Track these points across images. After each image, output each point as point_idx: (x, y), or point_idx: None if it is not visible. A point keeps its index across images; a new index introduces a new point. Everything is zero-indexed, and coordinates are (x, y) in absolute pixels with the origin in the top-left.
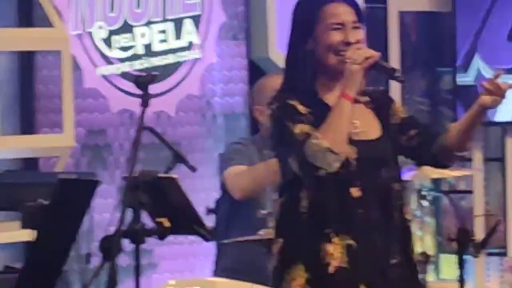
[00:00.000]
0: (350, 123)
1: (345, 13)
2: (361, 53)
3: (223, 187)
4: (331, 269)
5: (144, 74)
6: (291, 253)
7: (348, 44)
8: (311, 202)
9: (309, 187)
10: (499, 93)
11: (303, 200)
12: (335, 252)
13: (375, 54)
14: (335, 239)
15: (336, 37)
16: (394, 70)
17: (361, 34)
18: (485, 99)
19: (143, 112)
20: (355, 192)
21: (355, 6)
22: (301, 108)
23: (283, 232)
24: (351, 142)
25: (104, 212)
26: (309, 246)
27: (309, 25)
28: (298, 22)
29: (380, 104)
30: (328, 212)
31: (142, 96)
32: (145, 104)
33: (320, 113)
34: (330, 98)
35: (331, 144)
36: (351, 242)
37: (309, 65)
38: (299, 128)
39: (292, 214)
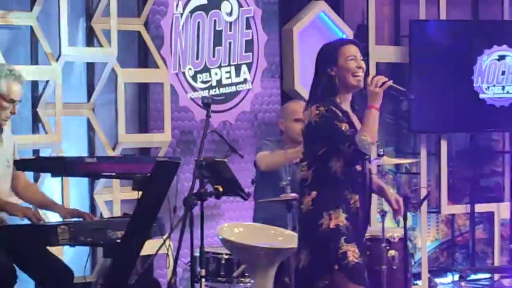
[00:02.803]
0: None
1: (356, 51)
2: (379, 80)
3: (255, 164)
4: (359, 213)
5: (208, 97)
6: (328, 201)
7: (360, 68)
8: (342, 169)
9: (342, 161)
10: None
11: (332, 168)
12: (356, 202)
13: (389, 80)
14: (353, 195)
15: (353, 64)
16: (404, 91)
17: (364, 64)
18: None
19: (207, 121)
20: (358, 167)
21: (359, 47)
22: (339, 113)
23: (318, 187)
24: None
25: (190, 182)
26: (344, 196)
27: (334, 58)
28: (324, 56)
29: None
30: (350, 177)
31: (206, 111)
32: (208, 115)
33: (346, 118)
34: (345, 105)
35: (370, 137)
36: (357, 198)
37: (333, 83)
38: (344, 126)
39: (326, 176)
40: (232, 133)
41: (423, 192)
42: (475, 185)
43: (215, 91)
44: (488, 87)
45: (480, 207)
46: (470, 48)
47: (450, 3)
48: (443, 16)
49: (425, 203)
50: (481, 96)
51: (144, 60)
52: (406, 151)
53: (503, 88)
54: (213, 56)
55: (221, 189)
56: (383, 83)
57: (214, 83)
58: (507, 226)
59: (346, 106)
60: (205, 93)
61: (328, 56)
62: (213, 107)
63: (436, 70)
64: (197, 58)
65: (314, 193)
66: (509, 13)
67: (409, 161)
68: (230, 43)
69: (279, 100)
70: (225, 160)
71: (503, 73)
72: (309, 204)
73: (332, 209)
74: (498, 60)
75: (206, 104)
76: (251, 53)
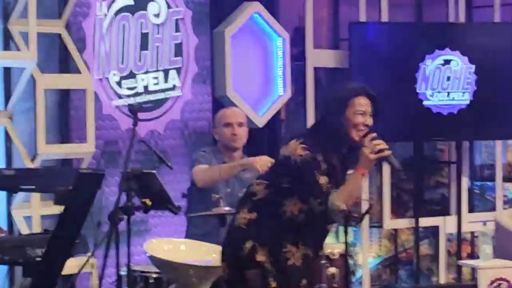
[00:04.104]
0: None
1: (366, 104)
2: (378, 145)
3: (192, 179)
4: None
5: (134, 104)
6: (264, 232)
7: (366, 125)
8: (296, 215)
9: (302, 209)
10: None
11: (285, 206)
12: (290, 258)
13: (388, 151)
14: (293, 247)
15: (360, 119)
16: (398, 168)
17: (371, 121)
18: None
19: (134, 129)
20: (328, 227)
21: (373, 100)
22: (323, 165)
23: (261, 211)
24: None
25: (116, 196)
26: (280, 243)
27: (342, 107)
28: (333, 103)
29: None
30: (300, 228)
31: (134, 119)
32: (135, 124)
33: (332, 171)
34: (336, 158)
35: (345, 203)
36: (308, 252)
37: (341, 135)
38: (323, 179)
39: (276, 208)
40: (161, 143)
41: (365, 205)
42: (419, 197)
43: (141, 98)
44: (433, 94)
45: (424, 221)
46: (413, 52)
47: (392, 4)
48: (384, 18)
49: (367, 217)
50: (425, 103)
51: (65, 65)
52: None
53: (448, 94)
54: (140, 61)
55: (149, 203)
56: (380, 151)
57: (140, 90)
58: (454, 242)
59: (337, 160)
60: (131, 100)
61: (337, 104)
62: (140, 115)
63: (378, 76)
64: (122, 63)
65: (254, 214)
66: (454, 15)
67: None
68: (157, 46)
69: (211, 107)
70: (154, 171)
71: (448, 78)
72: (243, 221)
73: (261, 243)
74: (443, 64)
75: (132, 111)
76: (180, 58)
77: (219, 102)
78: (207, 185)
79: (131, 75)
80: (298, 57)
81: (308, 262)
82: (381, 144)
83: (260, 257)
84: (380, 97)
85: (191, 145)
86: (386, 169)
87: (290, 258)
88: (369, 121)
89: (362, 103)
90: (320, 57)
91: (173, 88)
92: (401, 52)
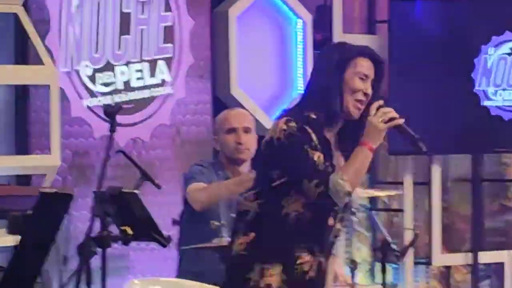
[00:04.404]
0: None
1: (369, 68)
2: (388, 113)
3: (185, 201)
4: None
5: (112, 104)
6: (267, 250)
7: (365, 95)
8: (297, 215)
9: (301, 203)
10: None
11: (284, 209)
12: (305, 264)
13: (400, 119)
14: (303, 254)
15: (360, 85)
16: (417, 138)
17: (371, 91)
18: None
19: (111, 137)
20: (330, 220)
21: (378, 67)
22: (314, 138)
23: (260, 228)
24: None
25: (87, 222)
26: (291, 251)
27: (342, 64)
28: (330, 63)
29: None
30: (306, 229)
31: (110, 123)
32: (113, 130)
33: (323, 147)
34: (328, 134)
35: (351, 184)
36: (322, 259)
37: (334, 104)
38: (317, 156)
39: (274, 217)
40: (146, 154)
41: (408, 236)
42: (479, 226)
43: (121, 97)
44: (496, 92)
45: (485, 256)
46: (471, 38)
47: None
48: None
49: (410, 251)
50: (486, 103)
51: (23, 53)
52: (383, 180)
53: None
54: (119, 49)
55: (130, 232)
56: (391, 119)
57: (120, 86)
58: None
59: (330, 135)
60: (108, 100)
61: (334, 63)
62: (120, 118)
63: (426, 69)
64: (96, 51)
65: (252, 235)
66: None
67: (389, 193)
68: (142, 30)
69: (210, 109)
70: (136, 191)
71: None
72: (241, 248)
73: (268, 262)
74: (510, 54)
75: (109, 114)
76: (171, 45)
77: (221, 103)
78: (205, 208)
79: (108, 67)
80: (323, 45)
81: (323, 274)
82: (390, 112)
83: (272, 278)
84: (427, 97)
85: (184, 158)
86: (435, 189)
87: (308, 271)
88: (370, 90)
89: (365, 65)
90: None
91: (162, 84)
92: (455, 38)
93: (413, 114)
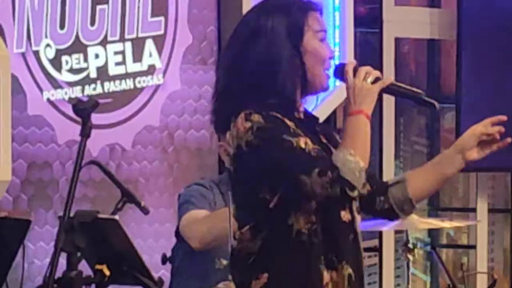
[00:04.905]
0: None
1: (324, 22)
2: (370, 73)
3: (178, 234)
4: None
5: (84, 99)
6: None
7: (331, 56)
8: (311, 226)
9: (307, 210)
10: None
11: (294, 227)
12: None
13: (388, 77)
14: (339, 268)
15: (325, 50)
16: (419, 94)
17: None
18: (473, 153)
19: (83, 143)
20: (345, 215)
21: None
22: (289, 123)
23: (272, 265)
24: None
25: (47, 258)
26: (318, 273)
27: (298, 30)
28: (286, 24)
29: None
30: (329, 236)
31: (82, 125)
32: (85, 135)
33: (303, 130)
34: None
35: (362, 158)
36: (351, 271)
37: (300, 74)
38: (303, 142)
39: (286, 245)
40: (127, 168)
41: (483, 281)
42: None
43: (95, 89)
44: None
45: None
46: None
47: None
48: None
49: None
50: None
51: None
52: (449, 206)
53: None
54: (92, 24)
55: (107, 272)
56: (376, 79)
57: (93, 74)
58: None
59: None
60: (78, 92)
61: (292, 25)
62: (93, 118)
63: (506, 54)
64: (62, 27)
65: (265, 277)
66: None
67: (457, 224)
68: None
69: None
70: (116, 217)
71: None
72: None
73: None
74: None
75: (81, 112)
76: (163, 18)
77: None
78: (208, 244)
79: (78, 48)
80: (368, 20)
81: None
82: (372, 72)
83: None
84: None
85: (180, 173)
86: None
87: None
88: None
89: (320, 20)
90: (407, 21)
91: (150, 71)
92: None
93: (489, 113)
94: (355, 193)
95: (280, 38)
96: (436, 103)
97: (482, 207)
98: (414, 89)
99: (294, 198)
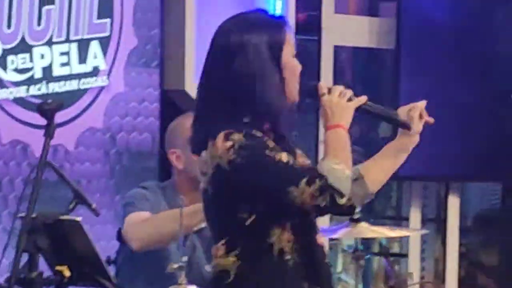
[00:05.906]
0: None
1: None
2: (346, 92)
3: (120, 236)
4: None
5: (49, 101)
6: None
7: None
8: (293, 244)
9: (290, 227)
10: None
11: (276, 245)
12: None
13: (363, 96)
14: None
15: (298, 65)
16: (391, 113)
17: None
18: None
19: (47, 144)
20: (319, 239)
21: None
22: (267, 140)
23: (250, 284)
24: None
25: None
26: None
27: (279, 46)
28: (267, 41)
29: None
30: (307, 257)
31: (47, 125)
32: (49, 135)
33: (282, 146)
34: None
35: (346, 166)
36: None
37: (281, 89)
38: (285, 157)
39: (265, 263)
40: (69, 168)
41: None
42: (508, 279)
43: (39, 89)
44: None
45: None
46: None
47: None
48: None
49: None
50: None
51: None
52: (382, 215)
53: None
54: (39, 24)
55: (67, 273)
56: (351, 98)
57: (38, 74)
58: None
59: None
60: (22, 92)
61: (274, 42)
62: (33, 118)
63: (444, 63)
64: (9, 26)
65: None
66: None
67: (406, 233)
68: None
69: (158, 109)
70: (78, 219)
71: None
72: None
73: None
74: None
75: (45, 112)
76: (109, 20)
77: (172, 101)
78: (149, 247)
79: (23, 48)
80: (307, 28)
81: None
82: (347, 91)
83: None
84: (446, 100)
85: (121, 175)
86: (452, 228)
87: None
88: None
89: (292, 35)
90: (346, 29)
91: (94, 73)
92: (485, 23)
93: (428, 128)
94: (343, 201)
95: (263, 55)
96: (410, 124)
97: (415, 217)
98: (388, 109)
99: (276, 215)
